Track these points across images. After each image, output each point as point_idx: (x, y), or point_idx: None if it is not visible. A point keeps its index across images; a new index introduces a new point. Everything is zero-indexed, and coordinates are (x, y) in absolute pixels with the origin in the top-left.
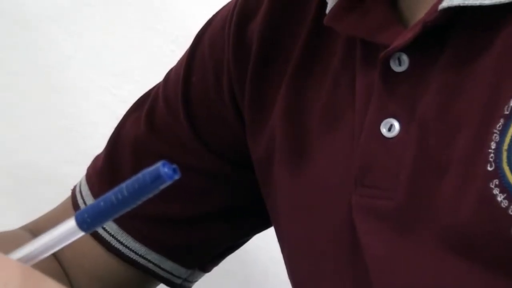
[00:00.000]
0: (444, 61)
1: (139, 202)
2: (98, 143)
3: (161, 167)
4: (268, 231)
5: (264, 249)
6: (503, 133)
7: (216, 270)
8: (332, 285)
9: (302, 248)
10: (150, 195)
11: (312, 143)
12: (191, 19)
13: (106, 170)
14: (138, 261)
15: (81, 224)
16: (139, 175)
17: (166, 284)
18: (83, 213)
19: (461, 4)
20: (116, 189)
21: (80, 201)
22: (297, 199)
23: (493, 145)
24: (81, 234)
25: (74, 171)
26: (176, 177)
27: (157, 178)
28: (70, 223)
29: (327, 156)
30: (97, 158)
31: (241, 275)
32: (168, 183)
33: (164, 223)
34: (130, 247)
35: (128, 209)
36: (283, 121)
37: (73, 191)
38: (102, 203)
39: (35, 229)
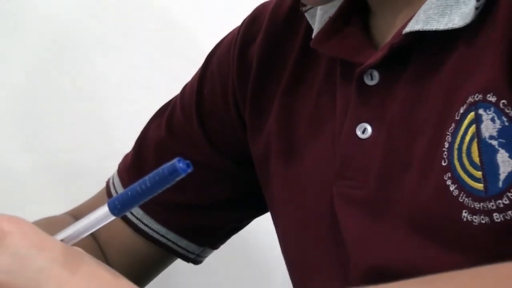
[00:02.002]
0: (408, 76)
1: (160, 191)
2: (127, 144)
3: (177, 163)
4: (265, 215)
5: (262, 230)
6: (454, 135)
7: (223, 246)
8: (317, 262)
9: (293, 230)
10: (168, 186)
11: (301, 144)
12: (203, 43)
13: (134, 166)
14: (159, 239)
15: (113, 210)
16: (159, 169)
17: (182, 259)
18: (114, 201)
19: (421, 29)
20: (140, 181)
21: (112, 191)
22: (288, 190)
23: (446, 145)
24: (113, 218)
25: (108, 167)
26: (189, 170)
27: (174, 171)
28: (104, 209)
29: (313, 155)
30: (126, 156)
31: (243, 251)
32: (183, 175)
33: (181, 209)
34: (153, 228)
35: (150, 197)
36: (277, 126)
37: (107, 183)
38: (129, 192)
39: (76, 214)
